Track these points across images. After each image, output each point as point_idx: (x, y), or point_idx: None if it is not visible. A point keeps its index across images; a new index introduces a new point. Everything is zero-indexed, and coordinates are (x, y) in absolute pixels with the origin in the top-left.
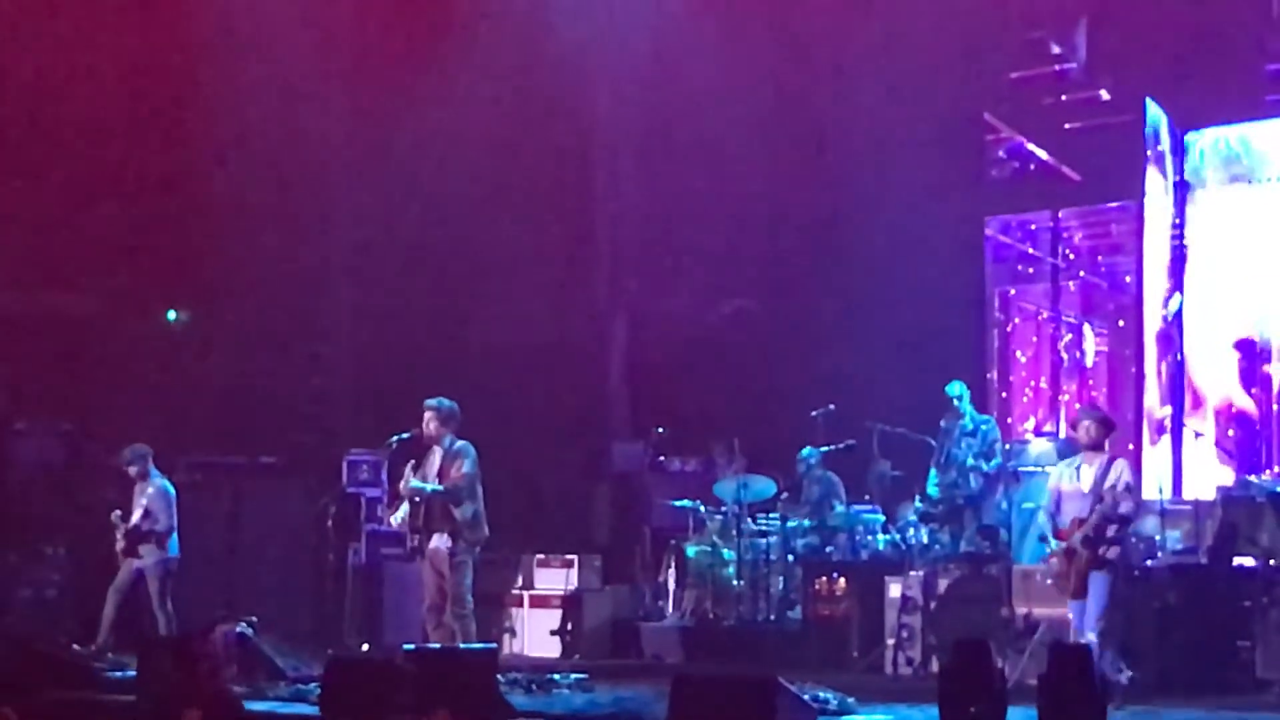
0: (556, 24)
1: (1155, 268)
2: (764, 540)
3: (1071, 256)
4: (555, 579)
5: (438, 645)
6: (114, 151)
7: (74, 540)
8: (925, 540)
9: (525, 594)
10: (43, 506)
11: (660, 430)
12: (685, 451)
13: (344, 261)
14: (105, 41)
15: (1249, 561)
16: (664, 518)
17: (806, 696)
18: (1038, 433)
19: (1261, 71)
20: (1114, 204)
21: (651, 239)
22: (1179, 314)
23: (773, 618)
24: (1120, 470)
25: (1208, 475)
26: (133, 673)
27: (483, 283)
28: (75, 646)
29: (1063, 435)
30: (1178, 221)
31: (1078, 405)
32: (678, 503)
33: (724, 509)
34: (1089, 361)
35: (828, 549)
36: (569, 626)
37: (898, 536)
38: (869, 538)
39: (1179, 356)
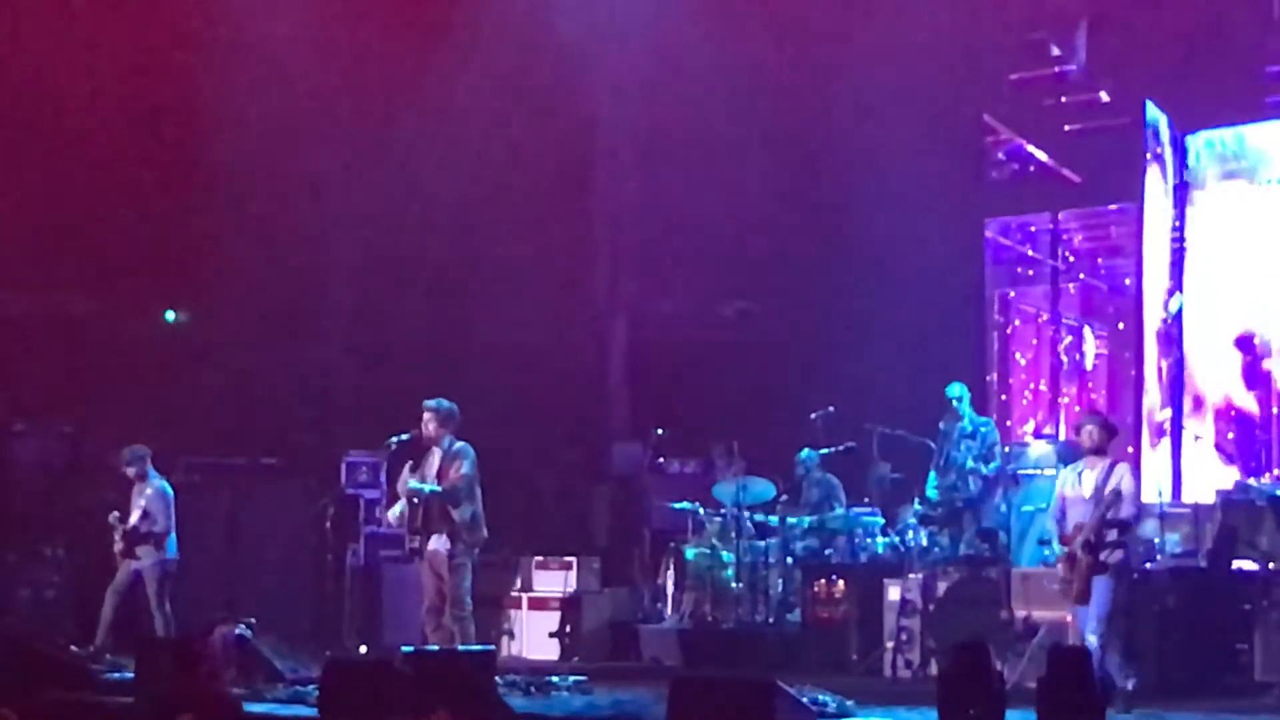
0: (557, 23)
1: (1155, 270)
2: (763, 542)
3: (1071, 259)
4: (554, 581)
5: (436, 647)
6: (114, 152)
7: (73, 541)
8: (924, 543)
9: (524, 596)
10: (42, 507)
11: (659, 432)
12: (684, 453)
13: (344, 262)
14: (105, 41)
15: (1248, 565)
16: (663, 520)
17: (805, 699)
18: (1037, 435)
19: (1262, 73)
20: (1114, 206)
21: (651, 240)
22: (1179, 314)
23: (771, 620)
24: (1121, 475)
25: (1207, 478)
26: (131, 674)
27: (482, 284)
28: (73, 647)
29: (1062, 438)
30: (1178, 224)
31: (1077, 408)
32: (677, 505)
33: (723, 511)
34: (1089, 364)
35: (827, 551)
36: (568, 629)
37: (897, 539)
38: (868, 540)
39: (1179, 357)
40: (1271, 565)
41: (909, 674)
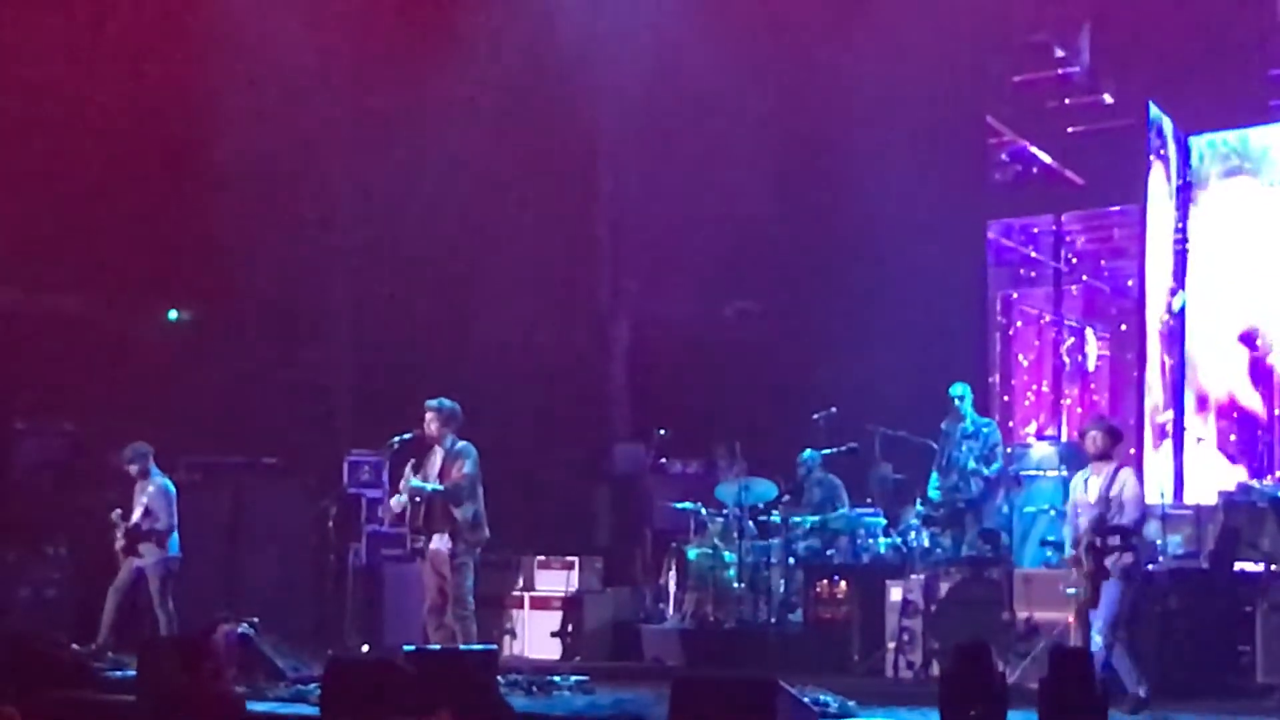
0: (559, 25)
1: (1158, 271)
2: (765, 543)
3: (1074, 260)
4: (556, 581)
5: (438, 646)
6: (115, 151)
7: (74, 539)
8: (926, 544)
9: (526, 595)
10: (43, 505)
11: (662, 432)
12: (687, 454)
13: (346, 262)
14: (106, 41)
15: (1250, 566)
16: (665, 520)
17: (807, 699)
18: (1039, 436)
19: (1265, 76)
20: (1116, 208)
21: (653, 240)
22: (1182, 312)
23: (773, 620)
24: (1124, 480)
25: (1210, 478)
26: (133, 672)
27: (484, 284)
28: (75, 646)
29: (1064, 439)
30: (1180, 225)
31: (1079, 409)
32: (679, 505)
33: (725, 511)
34: (1091, 365)
35: (829, 552)
36: (569, 628)
37: (899, 540)
38: (870, 541)
39: (1181, 358)
40: (1273, 567)
41: (911, 675)
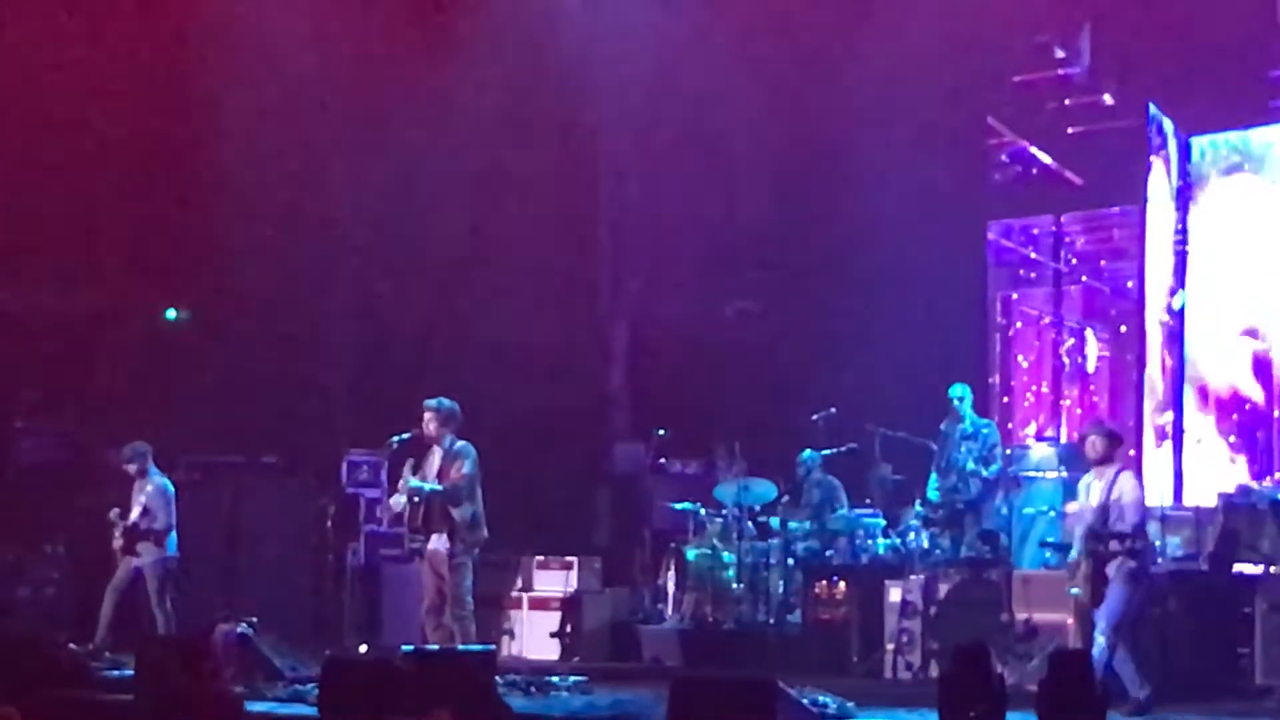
0: (561, 26)
1: (1158, 272)
2: (764, 543)
3: (1074, 261)
4: (555, 581)
5: (436, 646)
6: (116, 151)
7: (73, 538)
8: (925, 545)
9: (524, 596)
10: (42, 505)
11: (661, 432)
12: (686, 454)
13: (346, 262)
14: (107, 40)
15: (1250, 568)
16: (664, 520)
17: (806, 700)
18: (1039, 438)
19: (1265, 77)
20: (1116, 209)
21: (653, 241)
22: (1182, 311)
23: (772, 621)
24: (1122, 485)
25: (1209, 480)
26: (130, 672)
27: (484, 284)
28: (73, 645)
29: (1064, 440)
30: (1180, 226)
31: (1079, 410)
32: (678, 505)
33: (724, 512)
34: (1090, 366)
35: (828, 553)
36: (568, 629)
37: (898, 540)
38: (869, 541)
39: (1181, 359)
40: (1273, 569)
41: (909, 676)
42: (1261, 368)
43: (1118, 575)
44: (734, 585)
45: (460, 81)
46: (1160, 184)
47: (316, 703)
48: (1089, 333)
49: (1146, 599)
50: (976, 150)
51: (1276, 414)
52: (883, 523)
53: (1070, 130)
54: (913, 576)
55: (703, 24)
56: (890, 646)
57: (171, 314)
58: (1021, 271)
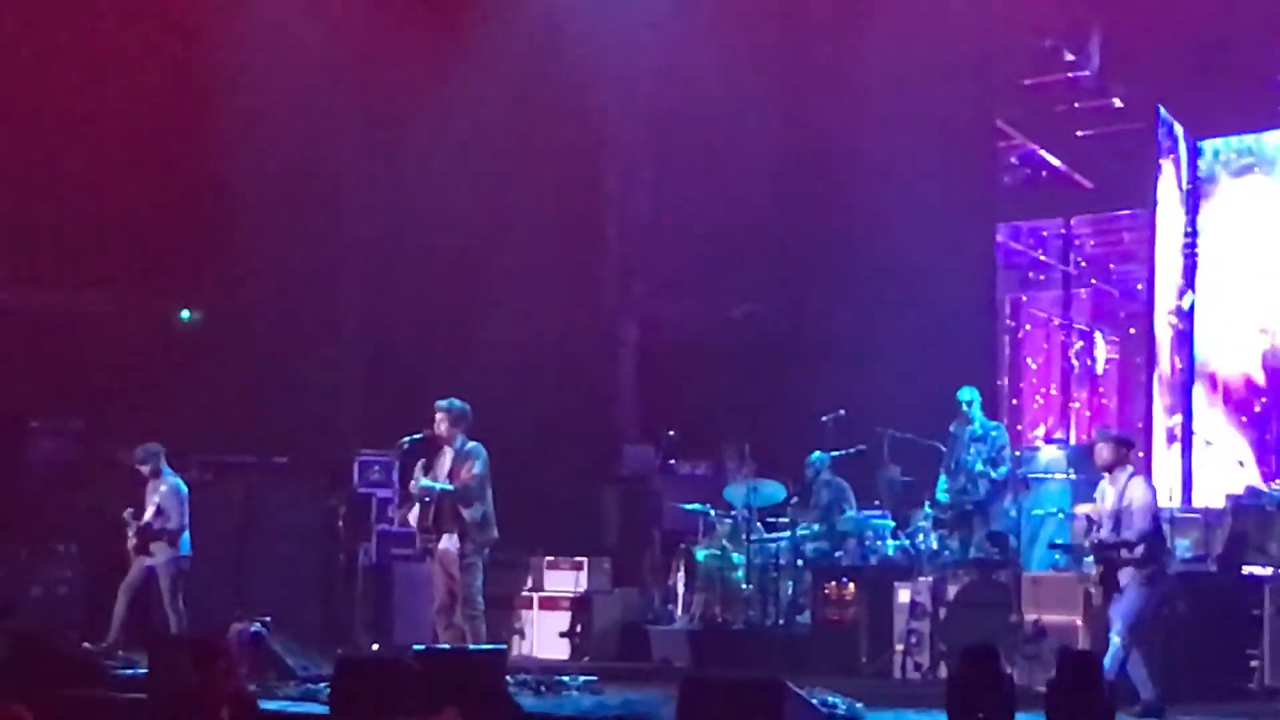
0: (568, 28)
1: (1167, 275)
2: (773, 544)
3: (1083, 264)
4: (565, 581)
5: (447, 646)
6: (128, 150)
7: (86, 538)
8: (934, 546)
9: (535, 596)
10: (55, 504)
11: (670, 434)
12: (695, 455)
13: (357, 263)
14: (116, 40)
15: (1259, 570)
16: (674, 521)
17: (815, 701)
18: (1048, 440)
19: (1275, 80)
20: (1126, 211)
21: (662, 243)
22: (1191, 312)
23: (781, 622)
24: (1133, 491)
25: (1218, 481)
26: (143, 671)
27: (493, 285)
28: (86, 644)
29: (1073, 442)
30: (1189, 229)
31: (1088, 413)
32: (687, 506)
33: (734, 513)
34: (1100, 369)
35: (837, 554)
36: (578, 629)
37: (907, 542)
38: (878, 543)
39: (1190, 361)
40: None
41: (918, 676)
42: (1273, 368)
43: (1134, 579)
44: (743, 586)
45: (468, 82)
46: (1170, 187)
47: (328, 702)
48: (1098, 335)
49: (1162, 601)
50: (986, 153)
51: None
52: (892, 524)
53: (1080, 133)
54: (921, 578)
55: (711, 26)
56: (899, 647)
57: (184, 314)
58: (1031, 274)
